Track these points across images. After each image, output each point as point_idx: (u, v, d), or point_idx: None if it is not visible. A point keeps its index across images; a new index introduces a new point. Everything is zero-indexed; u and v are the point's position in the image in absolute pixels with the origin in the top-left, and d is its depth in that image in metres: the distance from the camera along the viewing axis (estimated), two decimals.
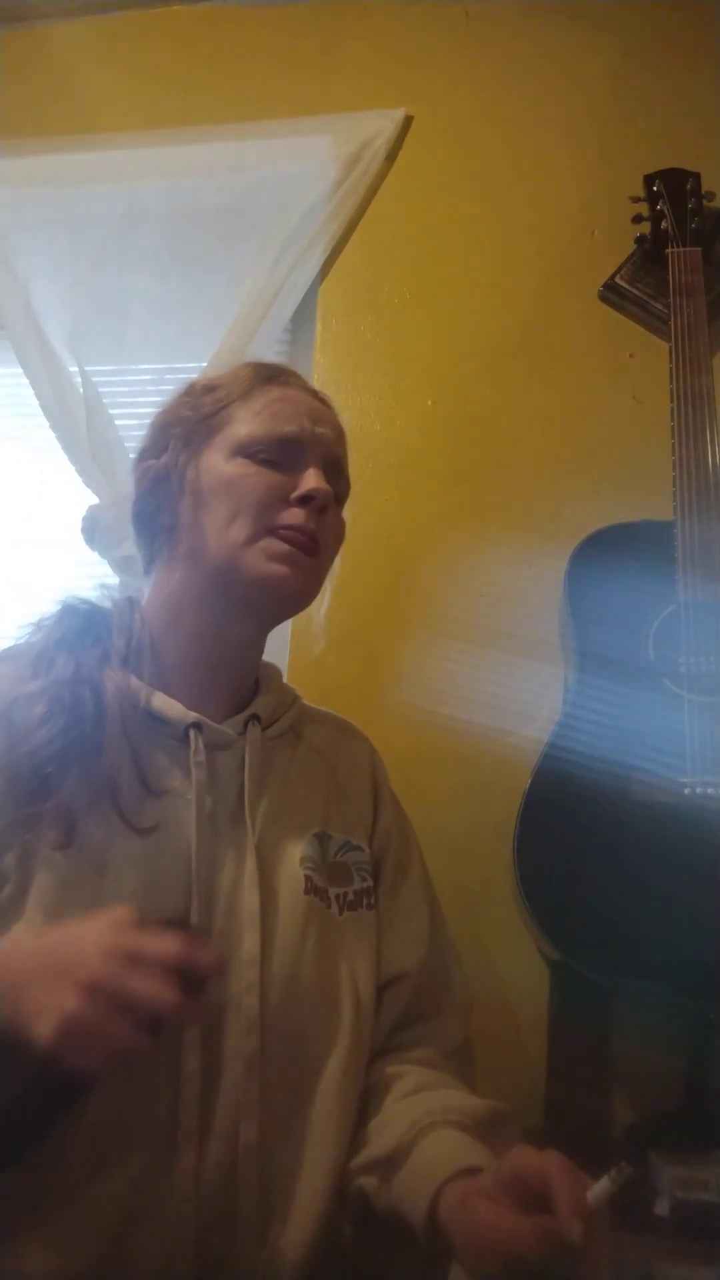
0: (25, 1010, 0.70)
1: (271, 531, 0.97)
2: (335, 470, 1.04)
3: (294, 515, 0.97)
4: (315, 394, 1.09)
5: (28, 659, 0.96)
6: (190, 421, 1.04)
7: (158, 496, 1.03)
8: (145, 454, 1.07)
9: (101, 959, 0.71)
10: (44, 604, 1.03)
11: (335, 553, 1.06)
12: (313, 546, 0.99)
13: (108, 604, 1.04)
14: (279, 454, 1.00)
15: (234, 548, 0.96)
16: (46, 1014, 0.69)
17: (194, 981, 0.74)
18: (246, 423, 1.01)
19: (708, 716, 1.35)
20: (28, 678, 0.93)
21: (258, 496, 0.97)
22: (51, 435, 1.79)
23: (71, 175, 1.92)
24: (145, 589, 1.07)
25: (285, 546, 0.96)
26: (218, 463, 1.00)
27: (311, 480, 0.98)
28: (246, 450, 1.00)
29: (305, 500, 0.98)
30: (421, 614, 1.68)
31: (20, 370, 1.82)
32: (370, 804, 1.12)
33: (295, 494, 0.98)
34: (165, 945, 0.73)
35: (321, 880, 1.00)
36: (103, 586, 1.06)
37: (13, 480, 1.91)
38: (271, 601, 1.00)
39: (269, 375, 1.06)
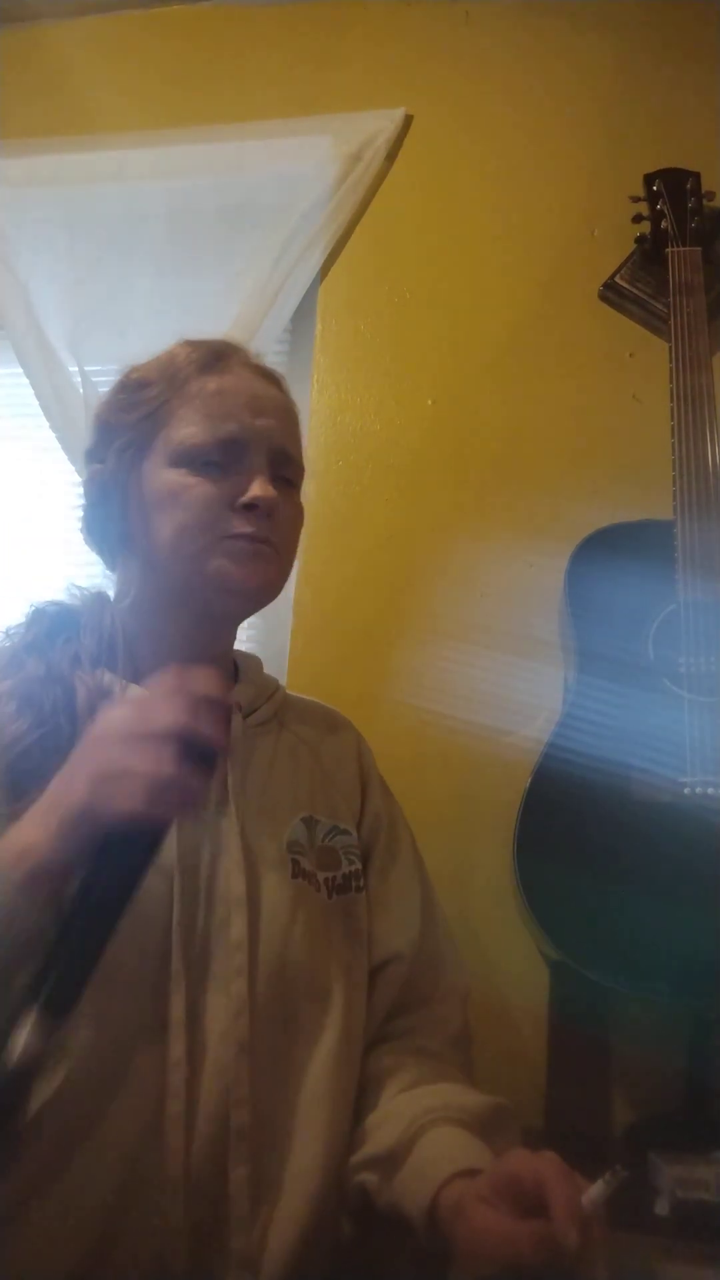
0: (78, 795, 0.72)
1: (224, 539, 0.95)
2: (284, 459, 1.01)
3: (242, 524, 0.95)
4: (260, 372, 1.05)
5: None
6: (127, 426, 1.01)
7: (106, 507, 1.02)
8: (91, 455, 1.05)
9: (111, 744, 0.73)
10: (21, 609, 1.03)
11: (296, 539, 1.04)
12: (268, 544, 0.97)
13: (78, 603, 1.03)
14: (221, 456, 0.97)
15: (190, 559, 0.95)
16: (77, 787, 0.72)
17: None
18: (183, 425, 0.98)
19: (708, 716, 1.35)
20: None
21: (201, 508, 0.95)
22: (51, 435, 1.79)
23: (71, 175, 1.92)
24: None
25: (244, 545, 0.95)
26: (158, 472, 0.97)
27: (256, 488, 0.95)
28: (185, 458, 0.97)
29: (251, 507, 0.96)
30: (422, 614, 1.68)
31: (20, 370, 1.83)
32: (357, 788, 1.12)
33: (240, 501, 0.95)
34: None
35: (309, 864, 1.00)
36: (72, 585, 1.05)
37: (13, 480, 1.91)
38: (240, 600, 0.99)
39: (204, 363, 1.01)
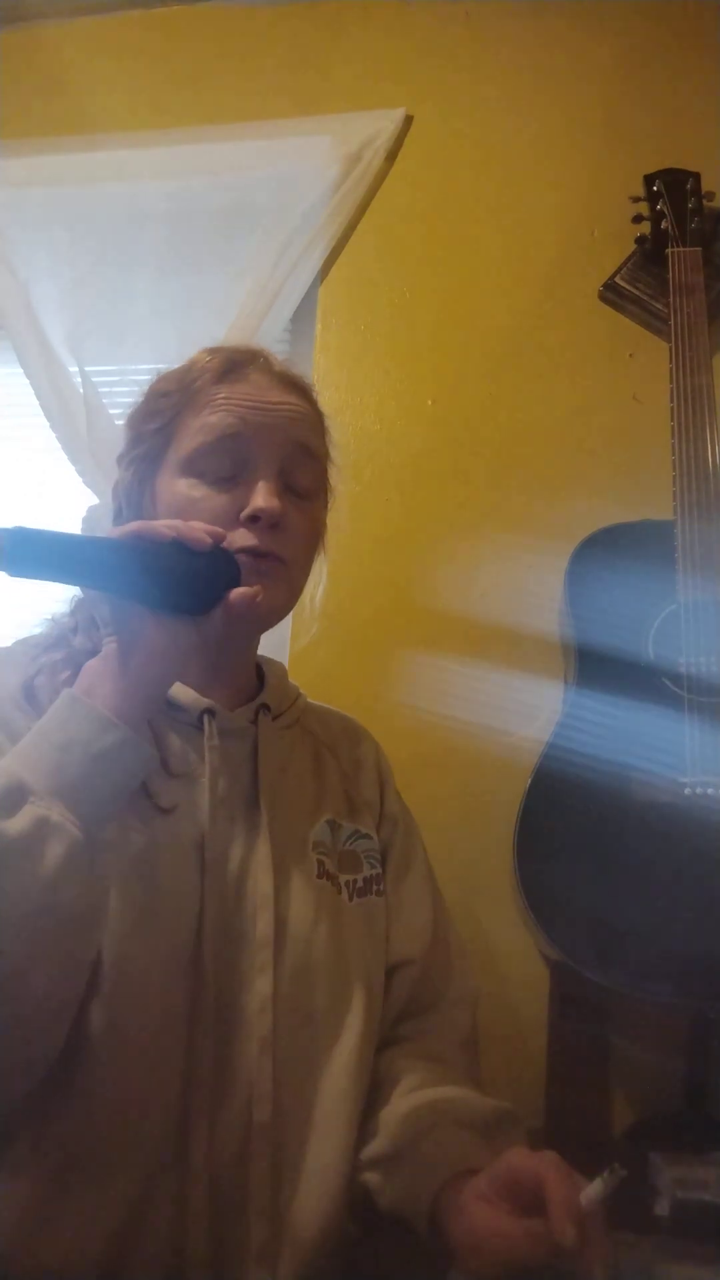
0: None
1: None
2: (295, 468, 0.98)
3: (245, 538, 0.93)
4: (280, 380, 1.01)
5: (46, 643, 0.97)
6: (146, 436, 1.00)
7: (127, 514, 1.02)
8: (119, 461, 1.05)
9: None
10: (51, 603, 1.04)
11: (310, 550, 1.02)
12: (274, 559, 0.94)
13: None
14: (226, 463, 0.95)
15: None
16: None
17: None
18: (192, 436, 0.96)
19: (708, 716, 1.35)
20: (49, 652, 0.95)
21: (207, 521, 0.91)
22: (51, 435, 1.79)
23: (71, 175, 1.93)
24: None
25: (250, 564, 0.92)
26: (169, 484, 0.97)
27: (259, 498, 0.93)
28: (193, 468, 0.96)
29: (253, 519, 0.93)
30: (422, 614, 1.68)
31: (20, 370, 1.83)
32: (377, 795, 1.13)
33: (244, 514, 0.93)
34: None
35: (332, 867, 1.01)
36: None
37: (13, 480, 1.91)
38: (244, 621, 0.94)
39: (220, 372, 0.99)
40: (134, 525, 0.80)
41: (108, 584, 0.79)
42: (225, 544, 0.88)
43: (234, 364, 1.01)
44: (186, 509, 0.94)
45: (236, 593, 0.84)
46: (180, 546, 0.80)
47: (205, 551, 0.81)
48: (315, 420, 1.04)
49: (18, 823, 0.71)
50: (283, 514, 0.94)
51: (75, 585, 0.80)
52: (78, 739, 0.76)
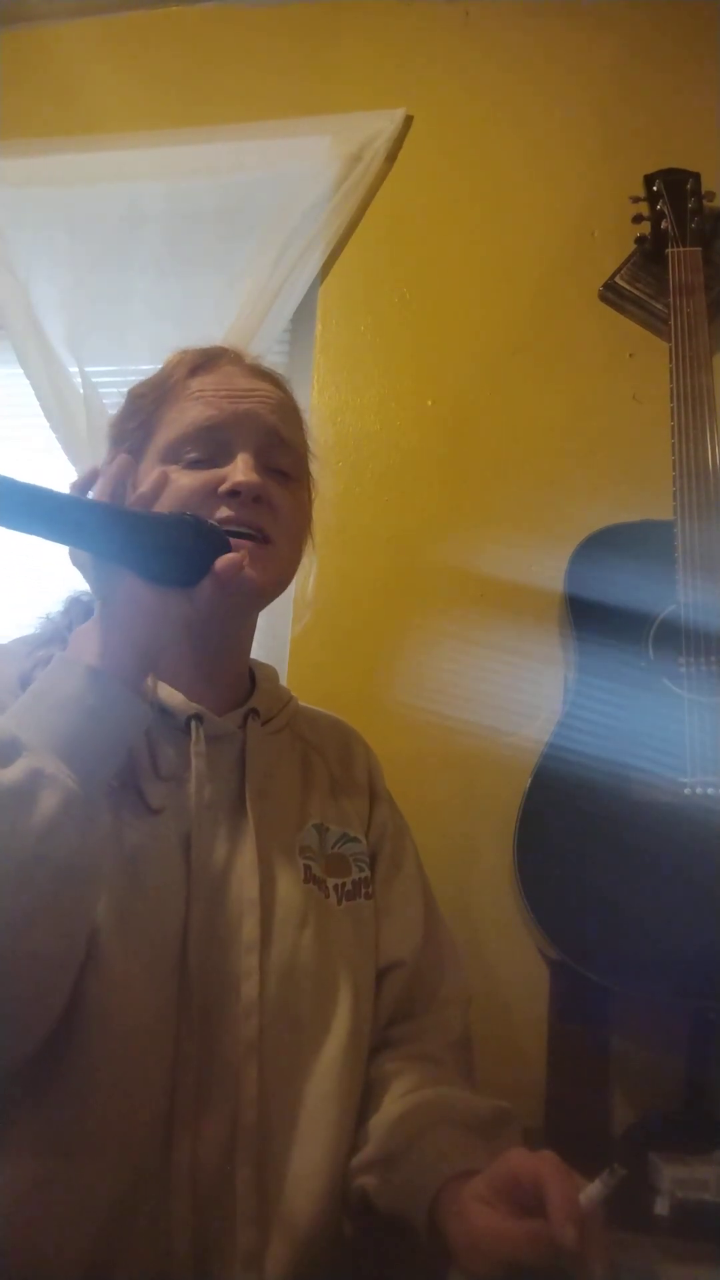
0: None
1: None
2: (273, 448, 1.00)
3: (225, 512, 0.94)
4: (251, 370, 1.05)
5: (42, 640, 0.98)
6: (126, 435, 1.03)
7: None
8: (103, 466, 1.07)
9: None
10: (47, 602, 1.04)
11: (298, 530, 1.03)
12: (258, 535, 0.96)
13: None
14: (205, 449, 0.97)
15: None
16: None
17: None
18: (169, 426, 0.99)
19: (708, 716, 1.35)
20: (45, 646, 0.95)
21: (183, 500, 0.94)
22: (51, 435, 1.79)
23: (71, 175, 1.93)
24: None
25: (234, 544, 0.92)
26: (149, 472, 0.98)
27: (238, 473, 0.95)
28: (172, 455, 0.98)
29: (233, 494, 0.95)
30: (421, 614, 1.68)
31: (20, 370, 1.83)
32: (366, 798, 1.13)
33: (222, 488, 0.95)
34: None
35: (320, 871, 1.01)
36: None
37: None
38: (233, 592, 0.93)
39: (195, 366, 1.03)
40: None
41: (94, 545, 0.80)
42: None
43: (206, 357, 1.04)
44: (164, 489, 0.94)
45: (223, 559, 0.85)
46: (173, 517, 0.82)
47: (192, 522, 0.84)
48: (289, 406, 1.06)
49: (11, 773, 0.72)
50: (262, 488, 0.96)
51: (62, 543, 0.80)
52: (70, 695, 0.77)
